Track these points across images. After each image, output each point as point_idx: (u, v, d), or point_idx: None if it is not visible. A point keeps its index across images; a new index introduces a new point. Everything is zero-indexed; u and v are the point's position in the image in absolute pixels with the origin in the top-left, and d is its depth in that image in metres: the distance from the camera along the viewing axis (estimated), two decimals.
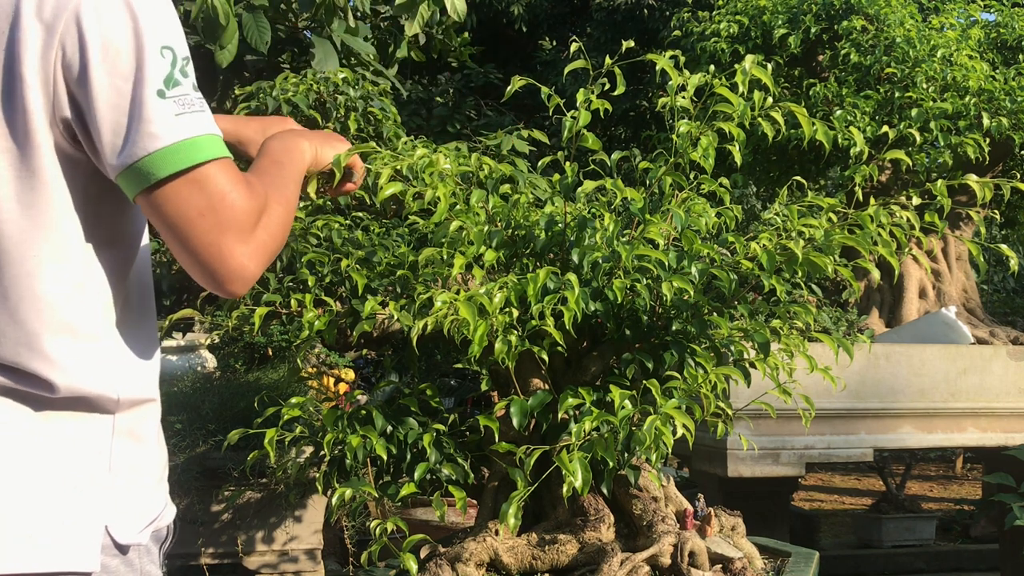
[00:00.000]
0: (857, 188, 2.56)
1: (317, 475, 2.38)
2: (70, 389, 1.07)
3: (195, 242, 1.06)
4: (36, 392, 1.06)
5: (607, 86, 2.18)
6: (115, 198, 1.12)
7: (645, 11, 10.53)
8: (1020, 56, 6.29)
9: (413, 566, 2.01)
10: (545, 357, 2.17)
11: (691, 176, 2.34)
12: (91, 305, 1.11)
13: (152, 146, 1.03)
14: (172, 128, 1.04)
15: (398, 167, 2.17)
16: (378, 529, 2.04)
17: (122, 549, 1.11)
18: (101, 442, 1.11)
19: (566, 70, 2.41)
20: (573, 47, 2.34)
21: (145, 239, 1.21)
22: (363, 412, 2.34)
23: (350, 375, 4.28)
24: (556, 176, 2.49)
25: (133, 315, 1.17)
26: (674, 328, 2.28)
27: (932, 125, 5.42)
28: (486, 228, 2.27)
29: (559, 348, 2.23)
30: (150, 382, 1.19)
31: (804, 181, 2.71)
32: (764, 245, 2.20)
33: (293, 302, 2.41)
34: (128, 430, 1.14)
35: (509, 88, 2.24)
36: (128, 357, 1.15)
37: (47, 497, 1.05)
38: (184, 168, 1.05)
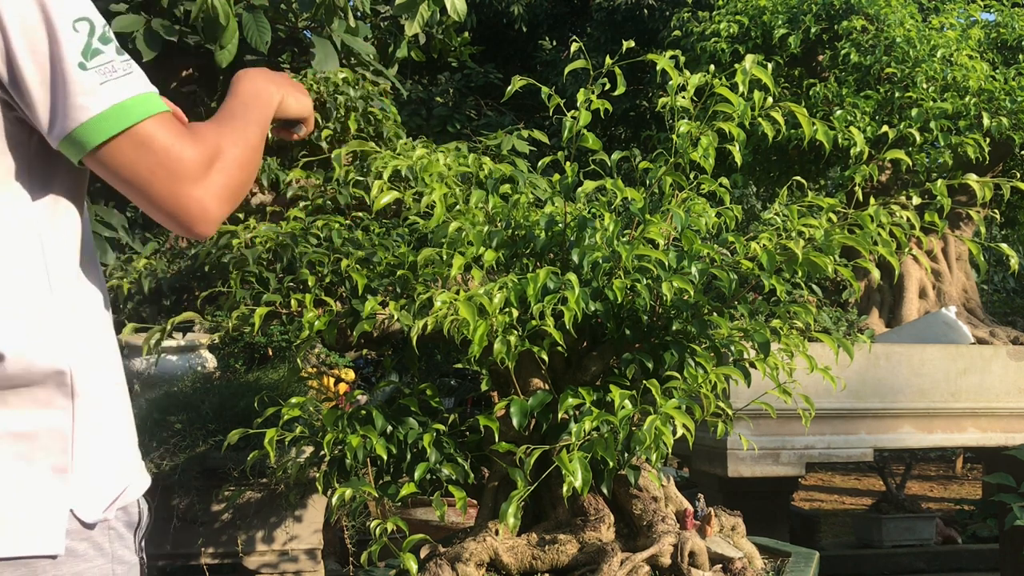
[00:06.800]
0: (857, 188, 2.56)
1: (317, 475, 2.38)
2: (18, 361, 1.07)
3: (154, 196, 1.13)
4: None
5: (607, 86, 2.18)
6: (56, 164, 1.16)
7: (645, 11, 10.53)
8: (1020, 56, 6.28)
9: (413, 566, 2.01)
10: (545, 357, 2.17)
11: (691, 176, 2.34)
12: (37, 270, 1.12)
13: (82, 116, 1.09)
14: (98, 97, 1.10)
15: (398, 166, 2.17)
16: (378, 529, 2.04)
17: (88, 527, 1.12)
18: (60, 423, 1.11)
19: (566, 70, 2.41)
20: (573, 47, 2.34)
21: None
22: (363, 412, 2.34)
23: (350, 375, 4.28)
24: (556, 176, 2.49)
25: (79, 279, 1.18)
26: (674, 328, 2.27)
27: (932, 125, 5.42)
28: (486, 228, 2.27)
29: (559, 348, 2.22)
30: (104, 350, 1.19)
31: (804, 181, 2.71)
32: (764, 245, 2.20)
33: (293, 302, 2.41)
34: (87, 405, 1.14)
35: (509, 88, 2.24)
36: (79, 325, 1.15)
37: (6, 485, 1.07)
38: (117, 132, 1.10)
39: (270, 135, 1.50)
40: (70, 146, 1.10)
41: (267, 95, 1.36)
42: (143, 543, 1.23)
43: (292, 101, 1.43)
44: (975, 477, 11.47)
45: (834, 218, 2.30)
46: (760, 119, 2.22)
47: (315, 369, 4.17)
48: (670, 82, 2.19)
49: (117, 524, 1.17)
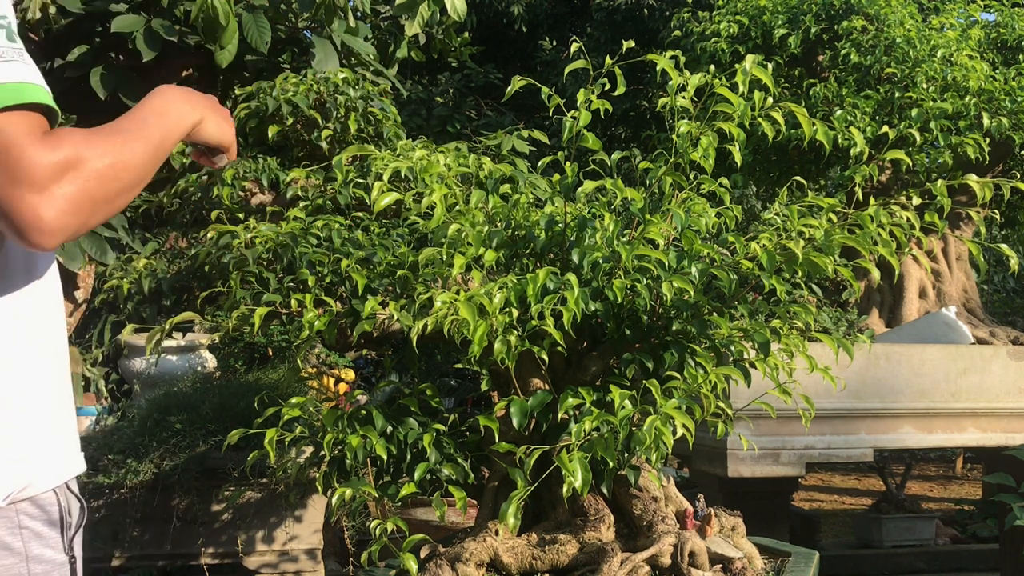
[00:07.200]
0: (857, 188, 2.57)
1: (317, 475, 2.38)
2: None
3: None
4: None
5: (607, 86, 2.19)
6: None
7: (645, 11, 10.53)
8: (1020, 56, 6.28)
9: (413, 566, 2.01)
10: (545, 357, 2.17)
11: (691, 176, 2.34)
12: None
13: None
14: None
15: (398, 167, 2.17)
16: (378, 529, 2.04)
17: None
18: None
19: (566, 70, 2.42)
20: (573, 47, 2.34)
21: None
22: (363, 412, 2.34)
23: (350, 375, 4.28)
24: (556, 176, 2.49)
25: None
26: (674, 328, 2.27)
27: (932, 125, 5.43)
28: (486, 229, 2.28)
29: (559, 348, 2.22)
30: (19, 345, 1.16)
31: (804, 181, 2.71)
32: (764, 245, 2.20)
33: (293, 302, 2.41)
34: None
35: (509, 88, 2.25)
36: None
37: None
38: None
39: (188, 158, 1.44)
40: None
41: (176, 115, 1.27)
42: (72, 541, 1.21)
43: (212, 126, 1.35)
44: (975, 477, 11.47)
45: (834, 218, 2.30)
46: (760, 119, 2.22)
47: (315, 369, 4.17)
48: (670, 82, 2.19)
49: (31, 522, 1.15)
